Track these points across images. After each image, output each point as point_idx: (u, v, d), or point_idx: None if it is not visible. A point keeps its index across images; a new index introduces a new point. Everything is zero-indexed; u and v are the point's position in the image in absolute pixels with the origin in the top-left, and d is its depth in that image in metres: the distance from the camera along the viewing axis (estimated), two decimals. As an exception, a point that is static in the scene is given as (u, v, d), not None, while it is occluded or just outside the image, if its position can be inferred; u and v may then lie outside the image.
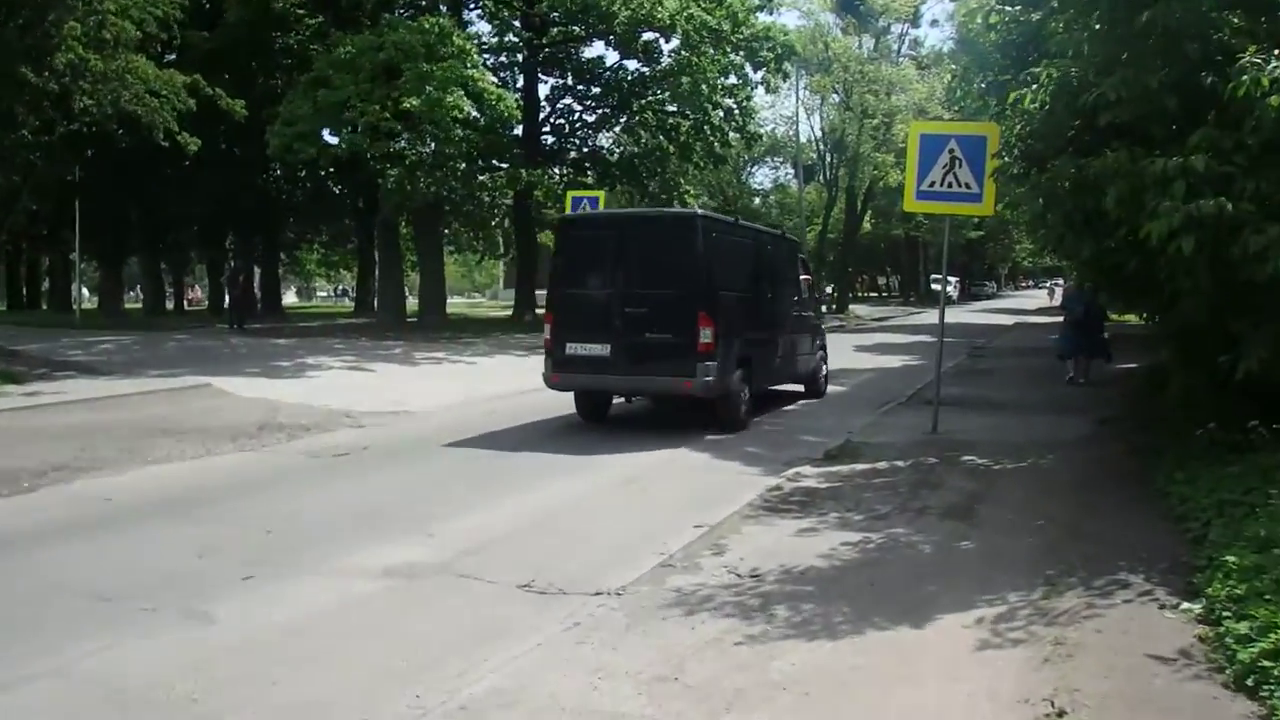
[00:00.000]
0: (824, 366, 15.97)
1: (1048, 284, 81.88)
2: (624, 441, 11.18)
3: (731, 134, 33.33)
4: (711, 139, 32.37)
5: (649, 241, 11.79)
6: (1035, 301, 66.00)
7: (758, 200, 63.55)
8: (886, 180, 48.01)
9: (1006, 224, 54.26)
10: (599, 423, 12.66)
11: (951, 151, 10.82)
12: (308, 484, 8.92)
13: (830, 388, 16.10)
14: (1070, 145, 7.96)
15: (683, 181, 35.86)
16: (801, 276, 15.38)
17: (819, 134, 52.37)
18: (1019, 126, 9.17)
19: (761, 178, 65.07)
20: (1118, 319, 19.74)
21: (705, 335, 11.26)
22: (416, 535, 6.97)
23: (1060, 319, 18.66)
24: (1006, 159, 9.76)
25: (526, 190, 29.83)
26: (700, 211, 12.72)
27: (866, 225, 59.94)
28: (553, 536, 7.13)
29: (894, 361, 22.14)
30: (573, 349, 11.82)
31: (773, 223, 28.96)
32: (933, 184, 10.94)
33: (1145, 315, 12.25)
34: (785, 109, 51.67)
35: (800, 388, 15.28)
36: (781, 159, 59.99)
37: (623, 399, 13.61)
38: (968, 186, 10.80)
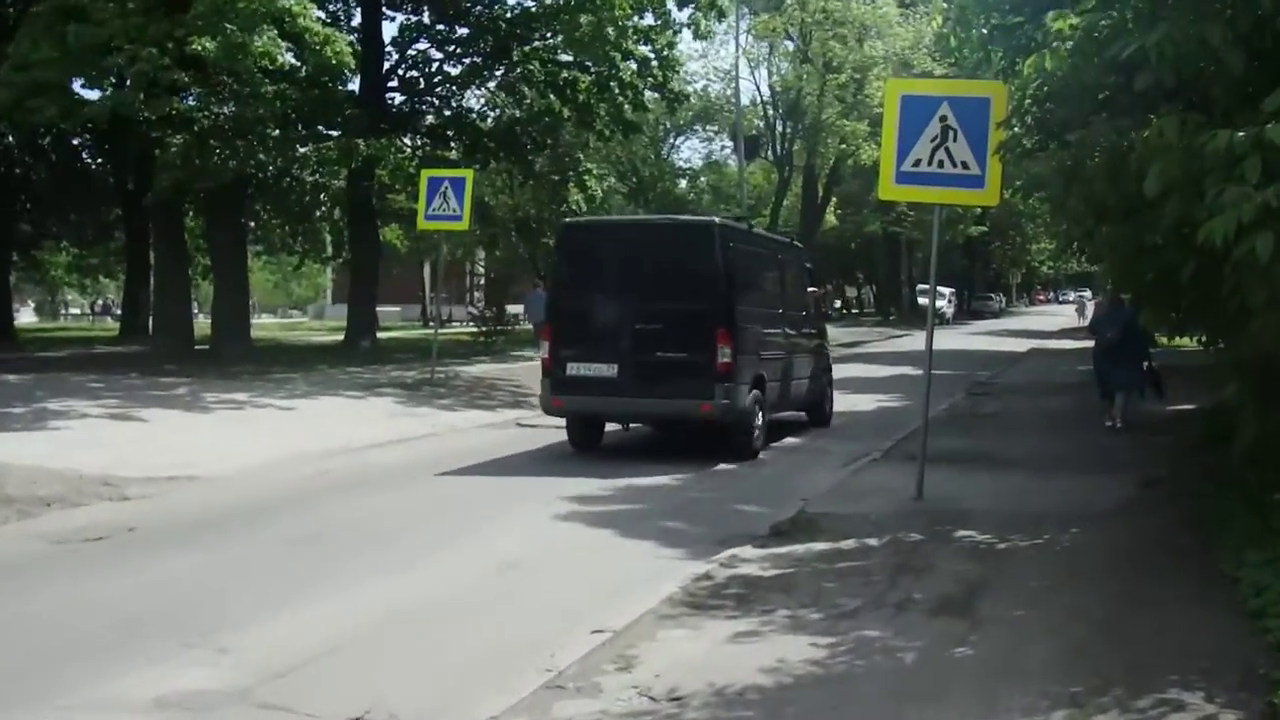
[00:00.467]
0: (829, 390, 18.95)
1: (1074, 297, 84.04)
2: (499, 512, 11.26)
3: (648, 93, 33.52)
4: (621, 99, 32.45)
5: (662, 251, 14.47)
6: (1058, 320, 67.56)
7: (684, 183, 64.09)
8: (857, 157, 48.89)
9: (1018, 217, 55.58)
10: (591, 450, 15.13)
11: (944, 119, 10.99)
12: (46, 580, 8.67)
13: (783, 439, 16.79)
14: (1103, 108, 8.10)
15: (582, 157, 36.02)
16: (809, 289, 18.51)
17: (766, 95, 53.23)
18: (1034, 86, 9.31)
19: (689, 152, 65.97)
20: (1167, 344, 20.18)
21: (724, 354, 13.74)
22: (203, 650, 6.82)
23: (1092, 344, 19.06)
24: (1017, 129, 9.93)
25: (366, 168, 29.58)
26: (718, 220, 15.44)
27: (831, 218, 60.93)
28: (398, 647, 7.05)
29: (867, 402, 22.40)
30: (575, 369, 14.37)
31: (740, 216, 29.66)
32: (918, 163, 11.11)
33: (1204, 340, 12.49)
34: (722, 60, 52.48)
35: (804, 415, 17.98)
36: (716, 128, 60.76)
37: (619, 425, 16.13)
38: (965, 166, 10.96)
